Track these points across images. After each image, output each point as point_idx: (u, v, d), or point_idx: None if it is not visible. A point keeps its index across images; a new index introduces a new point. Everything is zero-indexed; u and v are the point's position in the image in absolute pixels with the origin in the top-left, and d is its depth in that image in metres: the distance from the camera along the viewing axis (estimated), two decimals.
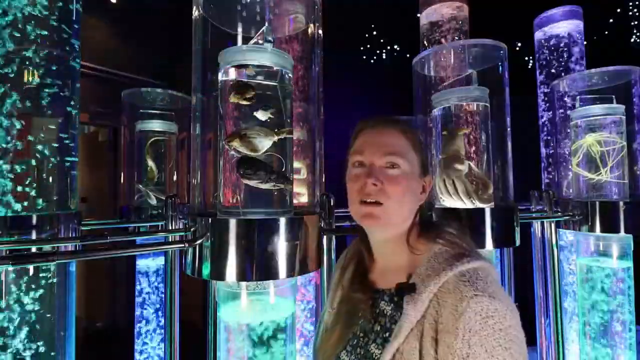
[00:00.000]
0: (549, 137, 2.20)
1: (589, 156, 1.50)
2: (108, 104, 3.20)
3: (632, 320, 1.49)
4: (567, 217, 1.52)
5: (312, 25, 1.02)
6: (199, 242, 0.81)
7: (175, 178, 1.88)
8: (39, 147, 0.92)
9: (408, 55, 4.28)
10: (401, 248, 0.73)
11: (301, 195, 1.07)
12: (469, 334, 0.58)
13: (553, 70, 2.17)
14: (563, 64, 2.14)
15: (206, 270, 0.80)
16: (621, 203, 1.41)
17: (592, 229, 1.46)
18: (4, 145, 0.89)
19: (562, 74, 2.13)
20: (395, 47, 4.39)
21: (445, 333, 0.60)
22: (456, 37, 1.91)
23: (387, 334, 0.67)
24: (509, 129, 1.25)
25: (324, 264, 1.14)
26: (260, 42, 0.83)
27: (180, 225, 1.33)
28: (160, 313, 1.84)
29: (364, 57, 4.36)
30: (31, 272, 0.89)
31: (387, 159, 0.70)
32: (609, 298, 1.49)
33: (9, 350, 0.85)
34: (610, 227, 1.43)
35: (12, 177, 0.89)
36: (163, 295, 1.82)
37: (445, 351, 0.59)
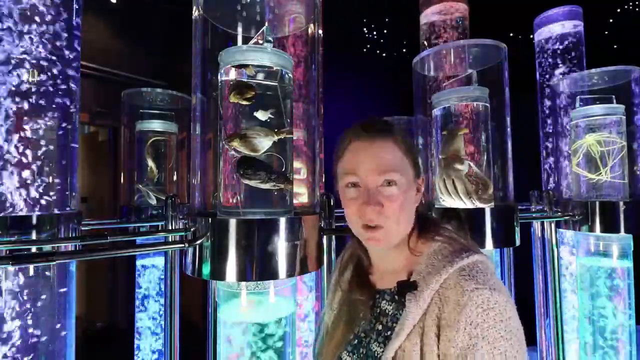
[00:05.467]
0: (549, 137, 2.20)
1: (589, 156, 1.50)
2: (108, 104, 3.20)
3: (632, 320, 1.49)
4: (567, 217, 1.52)
5: (312, 25, 1.02)
6: (199, 242, 0.81)
7: (175, 178, 1.88)
8: (39, 146, 0.92)
9: (408, 56, 4.28)
10: (402, 252, 0.73)
11: (301, 195, 1.07)
12: (470, 327, 0.58)
13: (553, 70, 2.17)
14: (563, 63, 2.14)
15: (206, 270, 0.80)
16: (621, 203, 1.41)
17: (592, 229, 1.46)
18: (4, 145, 0.89)
19: (562, 74, 2.13)
20: (395, 46, 4.38)
21: (447, 328, 0.60)
22: (456, 37, 1.91)
23: (389, 333, 0.67)
24: (509, 129, 1.25)
25: (324, 264, 1.14)
26: (260, 42, 0.83)
27: (180, 225, 1.33)
28: (160, 313, 1.84)
29: (364, 56, 4.36)
30: (31, 272, 0.89)
31: (384, 177, 0.68)
32: (608, 298, 1.49)
33: (8, 351, 0.85)
34: (610, 227, 1.43)
35: (12, 176, 0.89)
36: (163, 295, 1.82)
37: (447, 345, 0.59)
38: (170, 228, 1.32)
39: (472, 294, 0.60)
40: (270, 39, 0.82)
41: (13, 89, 0.90)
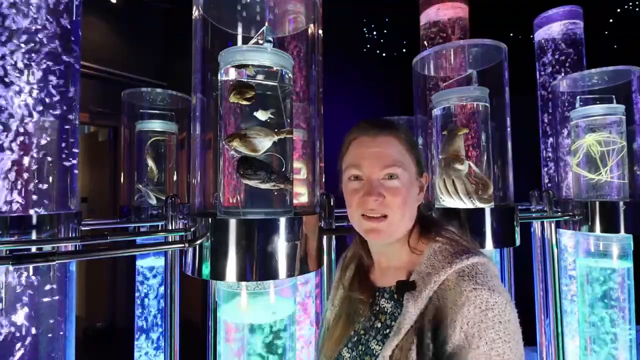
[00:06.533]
0: (549, 137, 2.20)
1: (589, 156, 1.50)
2: (108, 104, 3.20)
3: (632, 320, 1.49)
4: (567, 217, 1.52)
5: (312, 25, 1.02)
6: (199, 242, 0.81)
7: (175, 178, 1.88)
8: (39, 146, 0.92)
9: (408, 56, 4.28)
10: (402, 249, 0.73)
11: (301, 195, 1.07)
12: (467, 326, 0.58)
13: (553, 70, 2.17)
14: (563, 64, 2.14)
15: (206, 270, 0.80)
16: (621, 203, 1.41)
17: (592, 229, 1.46)
18: (4, 145, 0.89)
19: (562, 73, 2.13)
20: (396, 46, 4.38)
21: (443, 327, 0.60)
22: (456, 37, 1.91)
23: (387, 331, 0.67)
24: (509, 129, 1.25)
25: (324, 264, 1.14)
26: (261, 42, 0.83)
27: (180, 225, 1.33)
28: (160, 313, 1.84)
29: (364, 56, 4.36)
30: (31, 272, 0.89)
31: (386, 171, 0.69)
32: (608, 298, 1.49)
33: (8, 350, 0.85)
34: (610, 227, 1.43)
35: (12, 176, 0.89)
36: (163, 295, 1.82)
37: (442, 344, 0.59)
38: (170, 228, 1.32)
39: (470, 295, 0.59)
40: (270, 39, 0.82)
41: (13, 88, 0.90)
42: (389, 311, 0.70)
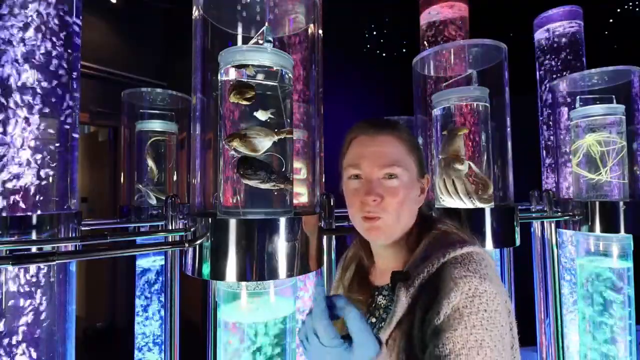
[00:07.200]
0: (549, 137, 2.20)
1: (589, 156, 1.50)
2: (108, 104, 3.20)
3: (632, 320, 1.49)
4: (567, 217, 1.52)
5: (312, 25, 1.02)
6: (199, 242, 0.81)
7: (175, 178, 1.88)
8: (39, 146, 0.92)
9: (408, 56, 4.28)
10: (402, 251, 0.73)
11: (301, 195, 1.07)
12: (450, 310, 0.57)
13: (553, 70, 2.17)
14: (563, 64, 2.14)
15: (206, 270, 0.80)
16: (621, 203, 1.41)
17: (592, 229, 1.46)
18: (4, 145, 0.89)
19: (562, 74, 2.13)
20: (395, 46, 4.38)
21: (429, 312, 0.59)
22: (456, 37, 1.91)
23: (382, 324, 0.67)
24: (509, 129, 1.25)
25: (324, 264, 1.14)
26: (261, 42, 0.83)
27: (180, 225, 1.33)
28: (160, 313, 1.84)
29: (364, 56, 4.36)
30: (31, 272, 0.89)
31: (386, 171, 0.69)
32: (608, 298, 1.49)
33: (8, 351, 0.85)
34: (610, 227, 1.43)
35: (12, 177, 0.89)
36: (163, 295, 1.82)
37: (425, 327, 0.58)
38: (170, 228, 1.32)
39: (459, 281, 0.58)
40: (270, 39, 0.82)
41: (13, 88, 0.90)
42: (384, 306, 0.70)
